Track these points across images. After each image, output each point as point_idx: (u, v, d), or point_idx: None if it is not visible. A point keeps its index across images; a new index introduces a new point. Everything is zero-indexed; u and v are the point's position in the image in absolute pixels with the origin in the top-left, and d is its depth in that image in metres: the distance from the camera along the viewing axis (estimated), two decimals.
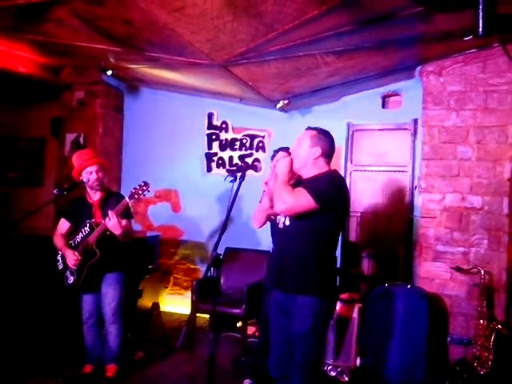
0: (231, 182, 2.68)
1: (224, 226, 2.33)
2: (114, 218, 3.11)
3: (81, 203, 3.45)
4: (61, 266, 3.38)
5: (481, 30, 1.25)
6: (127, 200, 3.18)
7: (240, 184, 2.60)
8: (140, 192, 3.19)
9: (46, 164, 6.16)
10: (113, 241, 3.27)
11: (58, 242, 3.42)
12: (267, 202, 2.87)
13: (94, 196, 3.42)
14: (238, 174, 2.66)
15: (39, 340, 3.94)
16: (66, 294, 3.48)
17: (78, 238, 3.35)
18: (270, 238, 3.12)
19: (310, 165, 2.48)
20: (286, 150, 2.65)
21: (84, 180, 3.36)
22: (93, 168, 3.35)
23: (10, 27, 3.69)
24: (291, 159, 2.51)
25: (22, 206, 5.72)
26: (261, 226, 3.08)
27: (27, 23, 3.52)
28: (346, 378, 3.50)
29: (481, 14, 1.20)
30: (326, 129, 2.58)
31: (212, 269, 2.34)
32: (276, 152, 3.02)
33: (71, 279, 3.33)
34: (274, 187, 2.47)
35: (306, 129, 2.59)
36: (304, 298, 2.35)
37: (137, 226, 5.38)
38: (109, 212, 3.15)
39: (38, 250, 3.43)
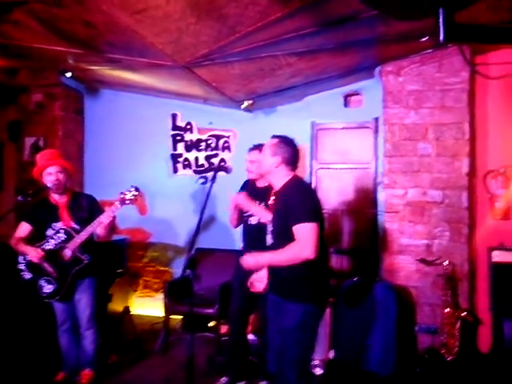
0: (202, 184, 2.73)
1: (198, 228, 2.35)
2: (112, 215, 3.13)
3: (44, 206, 3.35)
4: (28, 276, 3.26)
5: (441, 38, 1.32)
6: (118, 206, 3.11)
7: (211, 186, 2.63)
8: (132, 197, 3.14)
9: (4, 169, 5.95)
10: (88, 245, 3.25)
11: (19, 245, 3.28)
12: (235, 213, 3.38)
13: (60, 198, 3.33)
14: (209, 176, 2.71)
15: (13, 349, 3.83)
16: (37, 301, 3.37)
17: (50, 244, 3.24)
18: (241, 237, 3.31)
19: (273, 173, 2.59)
20: (260, 146, 2.89)
21: (46, 182, 3.26)
22: (53, 169, 3.26)
23: None
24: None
25: None
26: (236, 227, 3.51)
27: None
28: (321, 371, 3.58)
29: (441, 23, 1.27)
30: (288, 136, 2.67)
31: (188, 270, 2.35)
32: (253, 148, 3.38)
33: (50, 288, 3.23)
34: (283, 253, 2.43)
35: (271, 137, 2.68)
36: (294, 304, 2.44)
37: None
38: (107, 209, 3.14)
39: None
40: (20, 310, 3.95)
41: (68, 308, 3.35)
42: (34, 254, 3.18)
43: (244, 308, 3.46)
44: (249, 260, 2.54)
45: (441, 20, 1.29)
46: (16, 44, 3.74)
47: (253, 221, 3.37)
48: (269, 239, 2.64)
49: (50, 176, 3.24)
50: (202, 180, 2.81)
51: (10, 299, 3.97)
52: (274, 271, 2.57)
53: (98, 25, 3.20)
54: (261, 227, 3.13)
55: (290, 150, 2.59)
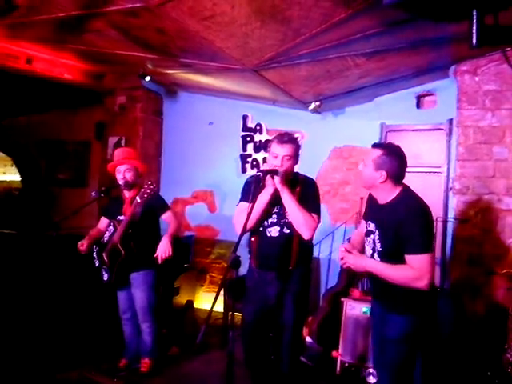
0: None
1: (243, 229, 2.37)
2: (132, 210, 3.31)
3: (116, 201, 3.63)
4: (97, 263, 3.55)
5: (474, 41, 1.26)
6: (138, 200, 3.28)
7: (256, 188, 2.58)
8: (148, 191, 3.27)
9: (90, 166, 6.46)
10: (138, 238, 3.41)
11: (87, 234, 3.59)
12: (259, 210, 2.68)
13: (129, 194, 3.56)
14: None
15: (82, 335, 4.11)
16: (105, 290, 3.65)
17: (106, 236, 3.52)
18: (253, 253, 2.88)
19: (377, 188, 2.36)
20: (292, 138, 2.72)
21: (117, 178, 3.53)
22: (122, 167, 3.49)
23: (54, 38, 3.94)
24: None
25: (68, 205, 6.02)
26: (244, 233, 2.48)
27: (69, 34, 3.74)
28: (375, 380, 3.46)
29: (474, 25, 1.21)
30: (392, 144, 2.41)
31: (232, 270, 2.38)
32: (287, 139, 2.73)
33: (106, 276, 3.50)
34: (396, 271, 2.29)
35: (372, 146, 2.39)
36: (398, 315, 2.36)
37: None
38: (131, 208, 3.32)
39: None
40: (93, 298, 4.26)
41: (128, 298, 3.57)
42: (79, 245, 3.45)
43: (259, 352, 2.91)
44: (355, 260, 2.38)
45: (474, 22, 1.23)
46: (99, 51, 4.07)
47: (273, 232, 2.78)
48: (377, 245, 2.40)
49: (119, 174, 3.50)
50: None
51: (86, 288, 4.30)
52: (378, 280, 2.41)
53: (169, 31, 3.39)
54: (283, 240, 2.74)
55: (396, 162, 2.30)
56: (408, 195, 2.35)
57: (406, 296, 2.30)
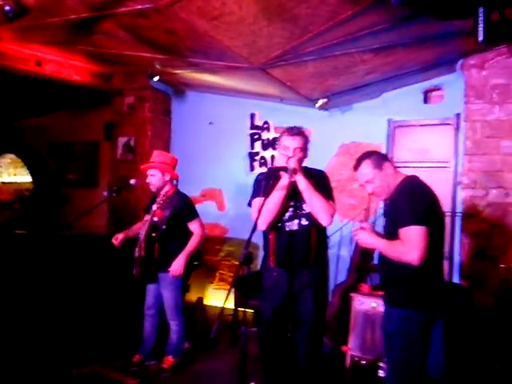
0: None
1: (254, 226, 2.40)
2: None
3: (154, 201, 3.66)
4: (135, 255, 3.56)
5: (481, 38, 1.28)
6: (154, 208, 3.43)
7: (266, 185, 2.60)
8: (164, 198, 3.43)
9: (100, 166, 6.52)
10: (162, 241, 3.48)
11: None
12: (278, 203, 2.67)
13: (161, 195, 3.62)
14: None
15: (97, 332, 4.10)
16: (134, 283, 3.68)
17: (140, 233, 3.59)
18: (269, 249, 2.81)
19: (389, 185, 2.40)
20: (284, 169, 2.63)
21: None
22: (149, 172, 3.56)
23: (63, 40, 3.99)
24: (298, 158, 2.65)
25: (79, 205, 6.10)
26: (267, 228, 2.71)
27: (78, 35, 3.79)
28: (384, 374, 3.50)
29: (481, 22, 1.23)
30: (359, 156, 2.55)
31: (244, 266, 2.40)
32: (296, 131, 2.79)
33: (135, 270, 3.54)
34: (391, 246, 2.31)
35: (356, 167, 2.50)
36: (394, 308, 2.38)
37: None
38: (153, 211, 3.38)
39: (92, 247, 3.66)
40: (111, 294, 4.30)
41: (155, 295, 3.61)
42: (114, 238, 3.54)
43: (279, 348, 2.86)
44: (367, 238, 2.40)
45: (480, 19, 1.25)
46: (108, 52, 4.12)
47: (292, 226, 2.74)
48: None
49: (147, 178, 3.56)
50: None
51: (102, 285, 4.34)
52: (381, 272, 2.53)
53: (178, 31, 3.43)
54: (302, 233, 2.72)
55: (371, 158, 2.45)
56: (407, 181, 2.40)
57: (408, 289, 2.31)
